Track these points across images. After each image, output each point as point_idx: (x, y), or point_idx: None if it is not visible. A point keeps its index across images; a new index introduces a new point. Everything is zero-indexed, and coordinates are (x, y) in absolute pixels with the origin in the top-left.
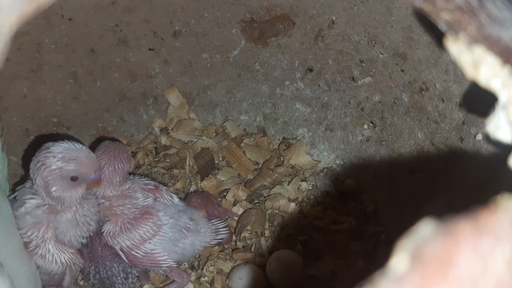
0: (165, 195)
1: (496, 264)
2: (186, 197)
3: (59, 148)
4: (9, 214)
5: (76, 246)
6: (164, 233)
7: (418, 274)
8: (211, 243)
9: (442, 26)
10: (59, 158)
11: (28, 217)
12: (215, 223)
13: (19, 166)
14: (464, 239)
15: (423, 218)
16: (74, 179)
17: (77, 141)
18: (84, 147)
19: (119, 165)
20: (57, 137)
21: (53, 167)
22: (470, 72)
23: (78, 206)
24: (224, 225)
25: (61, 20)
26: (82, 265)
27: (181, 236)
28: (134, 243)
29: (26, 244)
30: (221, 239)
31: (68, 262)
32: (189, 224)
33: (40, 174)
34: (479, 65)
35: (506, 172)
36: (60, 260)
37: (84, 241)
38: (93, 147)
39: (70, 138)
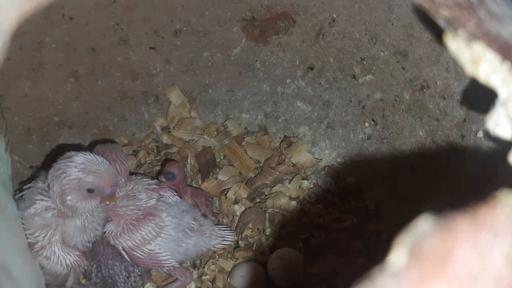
0: (168, 192)
1: (495, 260)
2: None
3: (81, 159)
4: (14, 213)
5: (82, 249)
6: (166, 234)
7: (416, 269)
8: (216, 246)
9: (441, 23)
10: (80, 168)
11: (37, 218)
12: (222, 228)
13: (21, 165)
14: (462, 234)
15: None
16: (90, 191)
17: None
18: (104, 161)
19: (121, 166)
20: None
21: (73, 176)
22: (470, 68)
23: (88, 214)
24: (230, 231)
25: (62, 19)
26: (86, 267)
27: (184, 236)
28: (136, 244)
29: (31, 245)
30: (226, 244)
31: (73, 264)
32: (193, 224)
33: (59, 181)
34: (478, 61)
35: (506, 169)
36: (66, 262)
37: (90, 245)
38: (94, 146)
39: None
